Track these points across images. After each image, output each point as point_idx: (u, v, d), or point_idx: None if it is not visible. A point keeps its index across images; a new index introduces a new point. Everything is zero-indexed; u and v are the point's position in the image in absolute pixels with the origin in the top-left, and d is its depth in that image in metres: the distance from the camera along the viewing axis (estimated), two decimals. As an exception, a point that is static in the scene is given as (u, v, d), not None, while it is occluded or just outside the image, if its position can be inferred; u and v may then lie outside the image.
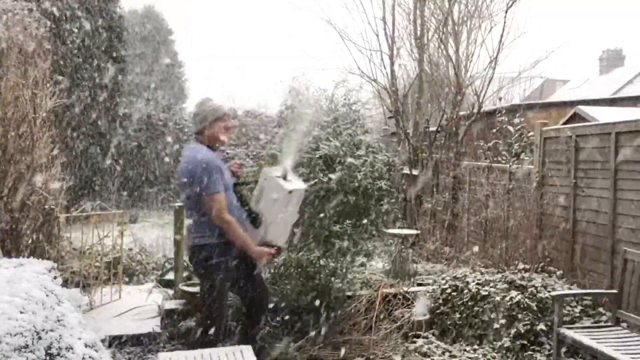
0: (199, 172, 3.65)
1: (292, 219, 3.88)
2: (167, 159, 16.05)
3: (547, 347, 4.69)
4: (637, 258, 4.41)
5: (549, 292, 4.93)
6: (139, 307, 5.57)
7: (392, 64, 10.07)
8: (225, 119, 3.86)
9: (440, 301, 5.25)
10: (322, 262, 4.96)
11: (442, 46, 9.74)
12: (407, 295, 5.36)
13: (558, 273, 5.67)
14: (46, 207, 4.89)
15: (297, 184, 3.93)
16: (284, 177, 3.85)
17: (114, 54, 13.91)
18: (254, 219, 3.84)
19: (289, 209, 3.81)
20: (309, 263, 4.88)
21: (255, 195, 3.97)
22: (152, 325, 5.06)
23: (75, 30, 12.38)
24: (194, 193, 3.69)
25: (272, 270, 5.02)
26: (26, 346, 2.84)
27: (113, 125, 14.28)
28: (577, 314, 4.88)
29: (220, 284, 3.73)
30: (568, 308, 4.90)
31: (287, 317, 4.76)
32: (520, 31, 13.67)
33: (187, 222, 3.96)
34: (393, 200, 5.30)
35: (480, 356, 4.69)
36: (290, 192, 3.76)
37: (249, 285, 3.96)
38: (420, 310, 5.20)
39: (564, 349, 4.50)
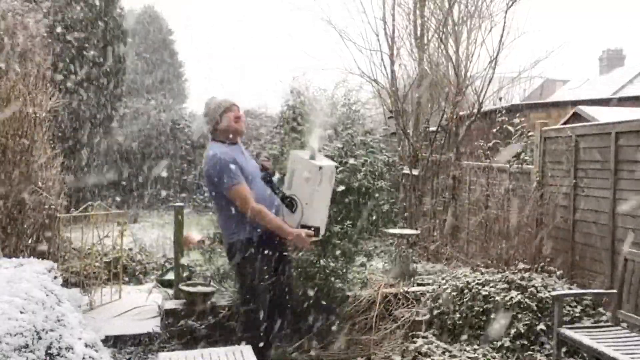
0: (215, 169, 3.67)
1: (326, 197, 3.84)
2: (166, 159, 16.06)
3: (547, 347, 4.69)
4: (637, 258, 4.41)
5: (549, 292, 4.93)
6: (139, 307, 5.57)
7: (392, 64, 10.06)
8: (233, 109, 3.86)
9: (440, 301, 5.24)
10: (322, 262, 4.96)
11: (442, 46, 9.73)
12: (407, 295, 5.36)
13: (558, 273, 5.67)
14: (46, 207, 4.89)
15: (326, 161, 3.90)
16: (312, 158, 3.81)
17: (114, 54, 13.90)
18: (289, 204, 3.80)
19: (322, 187, 3.75)
20: (309, 263, 4.88)
21: (286, 179, 3.93)
22: (152, 325, 5.06)
23: (76, 32, 12.37)
24: (216, 191, 3.72)
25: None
26: (26, 346, 2.84)
27: (113, 125, 14.28)
28: (577, 314, 4.88)
29: (257, 279, 3.71)
30: (568, 308, 4.90)
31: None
32: (520, 31, 13.59)
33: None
34: (393, 200, 5.30)
35: (480, 356, 4.69)
36: (321, 167, 3.70)
37: (277, 283, 3.90)
38: None
39: (564, 349, 4.50)
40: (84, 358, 3.16)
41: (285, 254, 3.99)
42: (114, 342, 4.82)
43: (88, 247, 5.84)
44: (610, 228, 5.25)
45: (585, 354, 4.48)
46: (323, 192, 3.79)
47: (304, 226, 3.74)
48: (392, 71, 10.04)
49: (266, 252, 3.76)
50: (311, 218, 3.76)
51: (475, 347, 4.85)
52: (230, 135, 3.85)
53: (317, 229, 3.78)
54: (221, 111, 3.83)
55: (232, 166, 3.65)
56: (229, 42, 40.53)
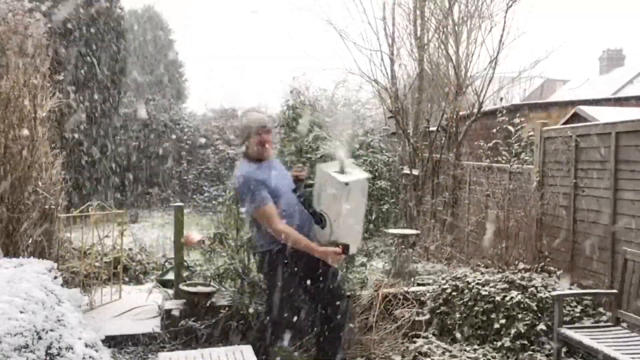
0: (241, 189, 3.70)
1: (358, 212, 3.71)
2: (166, 159, 16.06)
3: (547, 347, 4.69)
4: (637, 258, 4.41)
5: (549, 292, 4.93)
6: (139, 307, 5.57)
7: (392, 64, 10.07)
8: (260, 133, 3.77)
9: (440, 301, 5.25)
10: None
11: (442, 46, 9.73)
12: (407, 295, 5.36)
13: (558, 273, 5.67)
14: (46, 207, 4.89)
15: (355, 175, 3.75)
16: (342, 171, 3.69)
17: (114, 54, 13.91)
18: (319, 220, 3.73)
19: (351, 204, 3.62)
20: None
21: (315, 194, 3.85)
22: (152, 325, 5.06)
23: (76, 32, 12.38)
24: (245, 209, 3.79)
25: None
26: (26, 346, 2.84)
27: (113, 125, 14.28)
28: (577, 314, 4.88)
29: (285, 290, 3.69)
30: (568, 308, 4.90)
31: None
32: (520, 31, 13.56)
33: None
34: (393, 200, 5.29)
35: (480, 356, 4.69)
36: (347, 184, 3.58)
37: (322, 293, 3.85)
38: None
39: (564, 349, 4.50)
40: (84, 358, 3.16)
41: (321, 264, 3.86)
42: (114, 342, 4.82)
43: (88, 247, 5.84)
44: (610, 228, 5.25)
45: (585, 354, 4.49)
46: (353, 208, 3.65)
47: (333, 243, 3.63)
48: (392, 71, 10.05)
49: (297, 263, 3.73)
50: (341, 235, 3.65)
51: (475, 347, 4.85)
52: (257, 157, 3.80)
53: (346, 247, 3.64)
54: (247, 132, 3.80)
55: (257, 187, 3.61)
56: (229, 42, 40.51)
